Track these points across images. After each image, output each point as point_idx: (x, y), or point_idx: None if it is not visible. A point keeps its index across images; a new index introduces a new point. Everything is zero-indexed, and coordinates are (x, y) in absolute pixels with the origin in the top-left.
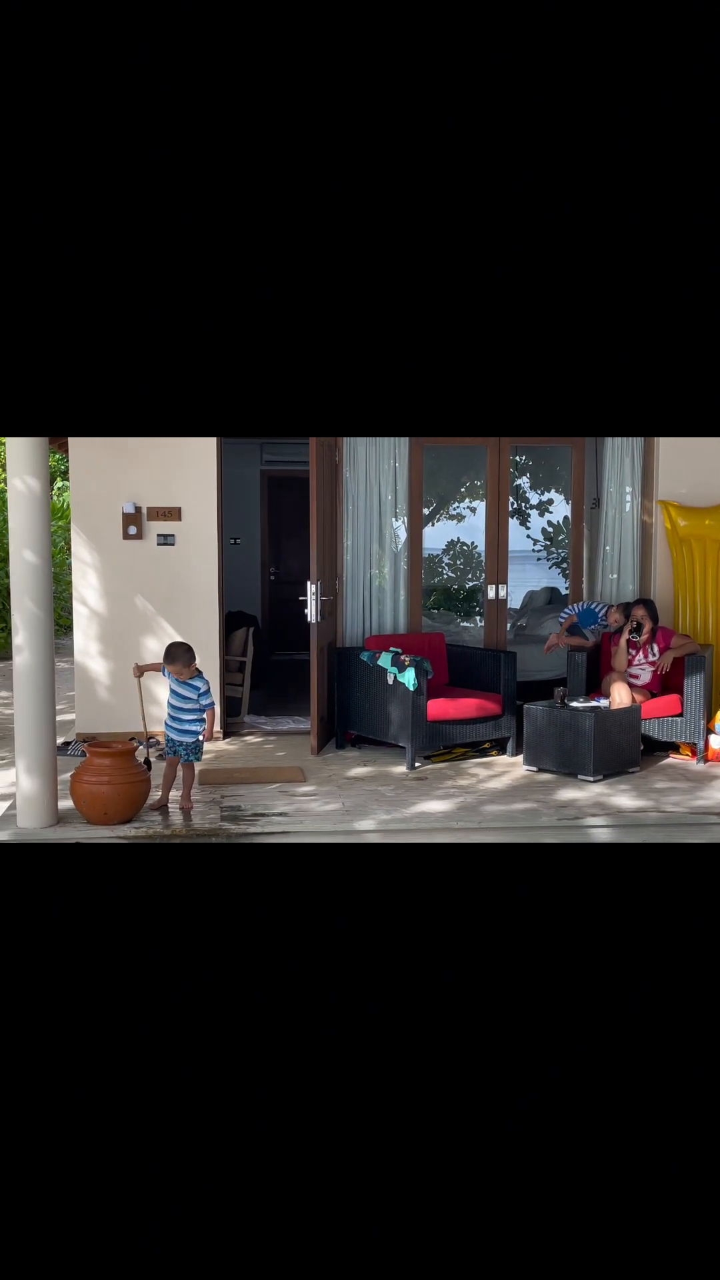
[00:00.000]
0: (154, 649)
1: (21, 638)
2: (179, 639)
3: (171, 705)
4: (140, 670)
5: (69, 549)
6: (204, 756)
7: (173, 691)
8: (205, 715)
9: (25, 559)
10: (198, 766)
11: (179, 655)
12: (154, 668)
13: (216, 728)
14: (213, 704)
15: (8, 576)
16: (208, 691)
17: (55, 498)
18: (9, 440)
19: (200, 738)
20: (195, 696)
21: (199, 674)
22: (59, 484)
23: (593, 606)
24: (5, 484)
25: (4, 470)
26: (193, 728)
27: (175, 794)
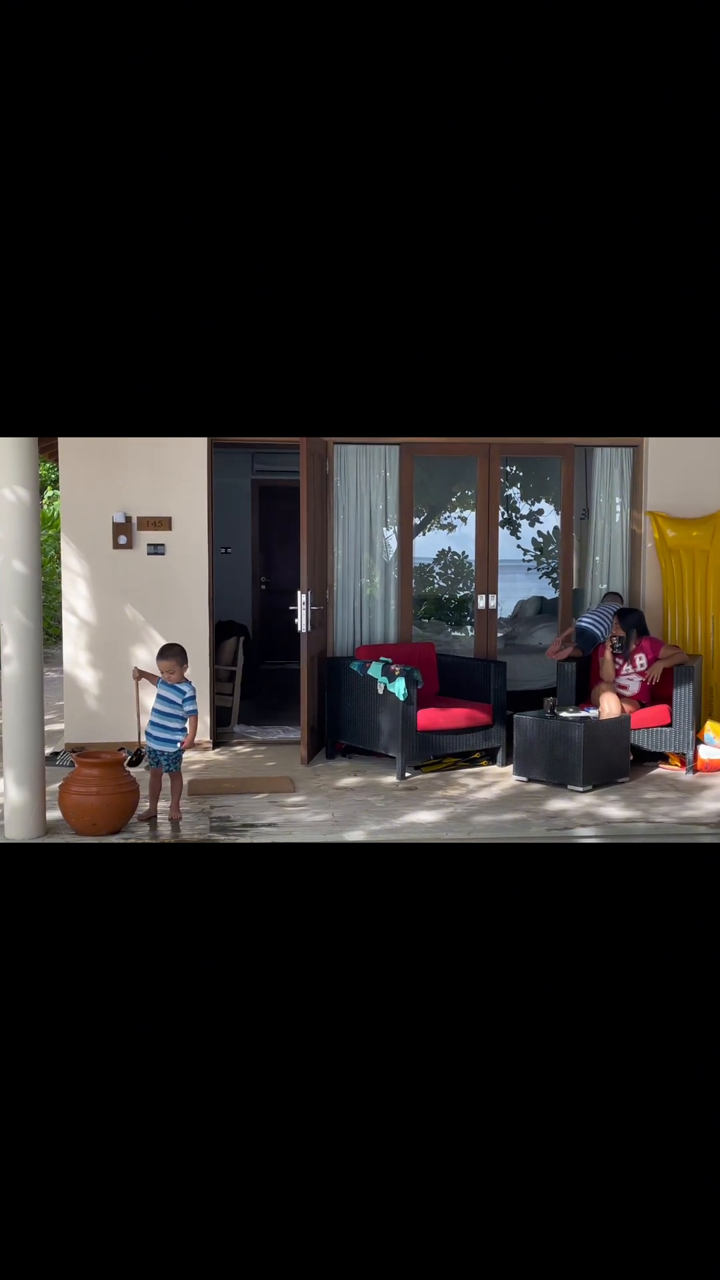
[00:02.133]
0: (144, 659)
1: (10, 648)
2: (173, 643)
3: (156, 710)
4: (139, 674)
5: (59, 558)
6: (194, 766)
7: (159, 696)
8: (187, 723)
9: (14, 569)
10: (186, 777)
11: (172, 654)
12: (151, 679)
13: (198, 737)
14: (195, 711)
15: None
16: (193, 698)
17: (45, 507)
18: None
19: (179, 746)
20: (180, 701)
21: (187, 681)
22: (49, 493)
23: (600, 618)
24: None
25: None
26: (175, 736)
27: (164, 804)
